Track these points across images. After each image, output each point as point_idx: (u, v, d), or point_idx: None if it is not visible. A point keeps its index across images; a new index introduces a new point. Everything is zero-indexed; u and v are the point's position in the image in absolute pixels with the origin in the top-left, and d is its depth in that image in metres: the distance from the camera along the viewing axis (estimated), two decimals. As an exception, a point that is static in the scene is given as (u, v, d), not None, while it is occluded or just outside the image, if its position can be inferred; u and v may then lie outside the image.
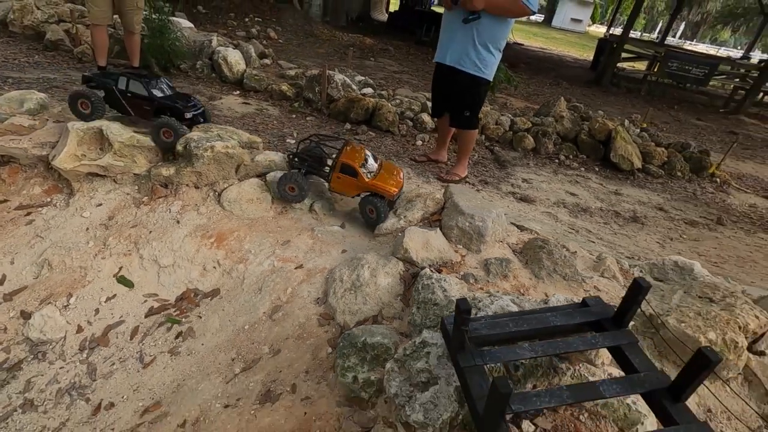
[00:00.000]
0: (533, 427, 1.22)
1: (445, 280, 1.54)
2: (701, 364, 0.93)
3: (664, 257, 2.16)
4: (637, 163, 5.46)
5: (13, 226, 2.00)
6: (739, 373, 1.60)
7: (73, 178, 2.05)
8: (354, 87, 5.59)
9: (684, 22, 45.90)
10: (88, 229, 1.94)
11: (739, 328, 1.57)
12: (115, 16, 4.25)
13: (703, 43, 46.36)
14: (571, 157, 5.45)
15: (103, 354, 1.62)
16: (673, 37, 47.32)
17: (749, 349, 1.67)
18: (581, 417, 1.27)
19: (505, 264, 1.87)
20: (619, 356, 1.10)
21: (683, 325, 1.57)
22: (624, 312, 1.14)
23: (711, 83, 13.10)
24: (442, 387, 1.13)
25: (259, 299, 1.72)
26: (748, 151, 8.11)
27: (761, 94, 13.84)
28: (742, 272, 3.47)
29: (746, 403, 1.47)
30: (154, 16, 5.30)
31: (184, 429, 1.36)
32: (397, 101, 5.65)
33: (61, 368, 1.58)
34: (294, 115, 5.13)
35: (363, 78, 6.27)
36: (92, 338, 1.66)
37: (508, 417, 1.07)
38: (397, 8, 15.11)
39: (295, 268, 1.81)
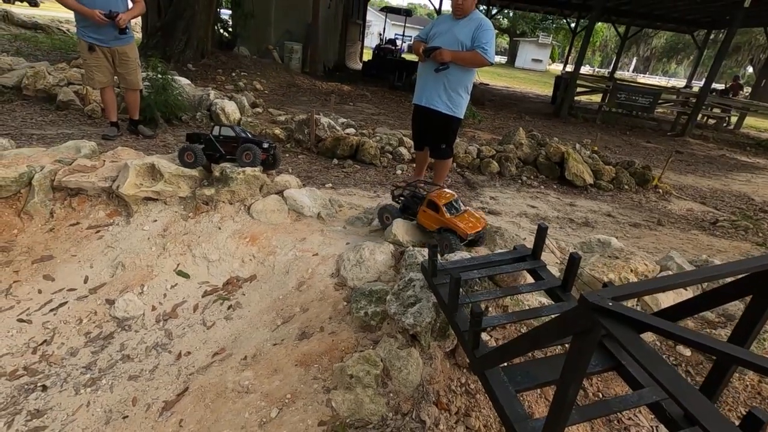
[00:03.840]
0: (489, 336, 1.83)
1: (421, 252, 2.16)
2: (574, 265, 1.57)
3: (590, 237, 2.84)
4: (589, 180, 6.29)
5: (87, 241, 2.55)
6: (636, 304, 2.24)
7: (133, 202, 2.63)
8: (338, 127, 6.36)
9: (635, 57, 49.81)
10: (149, 238, 2.50)
11: (632, 270, 2.23)
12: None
13: (656, 75, 50.17)
14: (531, 177, 6.25)
15: (175, 323, 2.14)
16: (628, 71, 51.22)
17: (643, 287, 2.32)
18: (521, 330, 1.87)
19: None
20: (535, 274, 1.73)
21: (593, 272, 2.23)
22: (536, 251, 1.78)
23: (659, 110, 14.54)
24: (424, 303, 1.72)
25: (288, 278, 2.29)
26: (690, 167, 9.16)
27: (704, 118, 15.39)
28: (673, 259, 4.18)
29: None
30: (159, 76, 6.01)
31: (246, 360, 1.88)
32: (378, 138, 6.42)
33: (145, 334, 2.09)
34: (287, 154, 5.82)
35: (345, 120, 7.06)
36: (164, 313, 2.18)
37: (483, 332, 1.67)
38: (370, 58, 16.42)
39: (313, 256, 2.40)
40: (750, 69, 30.53)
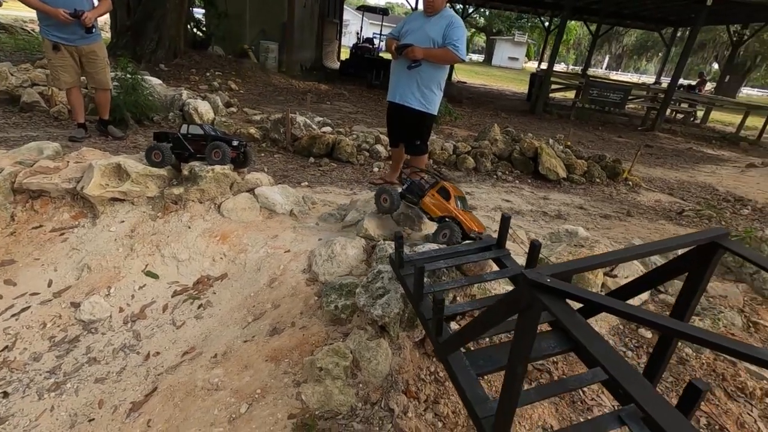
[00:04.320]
0: (458, 326, 1.86)
1: (392, 246, 2.18)
2: (535, 252, 1.62)
3: (559, 227, 2.91)
4: (562, 174, 6.43)
5: (51, 244, 2.48)
6: (601, 289, 2.31)
7: (99, 203, 2.57)
8: (314, 126, 6.34)
9: (608, 55, 51.06)
10: (116, 239, 2.44)
11: (595, 258, 2.30)
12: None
13: (628, 72, 51.53)
14: (506, 172, 6.35)
15: (143, 324, 2.10)
16: (601, 68, 52.45)
17: (606, 274, 2.40)
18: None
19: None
20: (499, 263, 1.77)
21: (559, 259, 2.29)
22: (501, 240, 1.82)
23: (630, 106, 14.95)
24: (392, 295, 1.75)
25: (259, 275, 2.27)
26: (659, 160, 9.46)
27: (673, 113, 15.92)
28: (641, 248, 4.32)
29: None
30: (128, 76, 5.87)
31: (216, 358, 1.87)
32: (354, 136, 6.42)
33: (112, 336, 2.04)
34: (263, 154, 5.77)
35: (322, 119, 7.04)
36: (132, 314, 2.14)
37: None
38: (348, 57, 16.39)
39: (284, 252, 2.39)
40: (716, 65, 31.69)
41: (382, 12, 19.13)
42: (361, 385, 1.64)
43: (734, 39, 16.45)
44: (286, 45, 12.74)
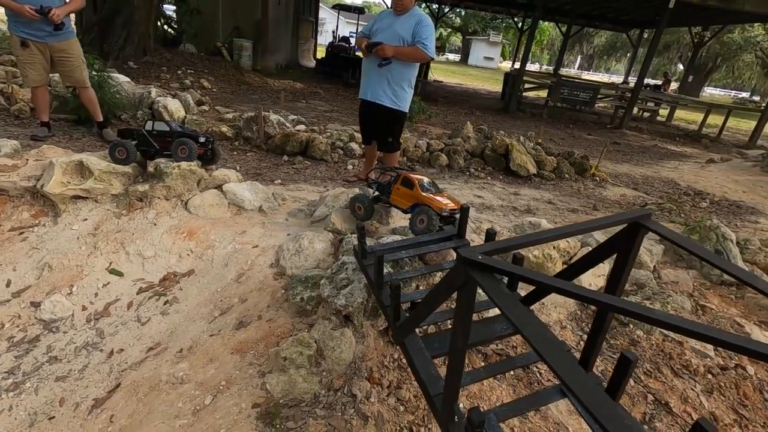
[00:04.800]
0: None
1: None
2: (490, 240, 1.69)
3: (523, 220, 3.01)
4: (533, 170, 6.60)
5: (10, 243, 2.41)
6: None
7: (60, 201, 2.52)
8: (288, 124, 6.32)
9: (580, 55, 52.37)
10: (78, 238, 2.40)
11: (554, 247, 2.40)
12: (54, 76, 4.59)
13: (599, 72, 52.98)
14: (479, 169, 6.48)
15: (107, 321, 2.08)
16: (574, 68, 53.79)
17: (566, 262, 2.51)
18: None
19: (407, 230, 2.60)
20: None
21: (520, 249, 2.38)
22: (460, 231, 1.89)
23: (600, 104, 15.41)
24: (356, 285, 1.79)
25: (227, 271, 2.28)
26: (626, 156, 9.80)
27: (640, 111, 16.49)
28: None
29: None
30: (94, 73, 5.71)
31: (181, 353, 1.87)
32: (329, 134, 6.43)
33: (74, 334, 2.01)
34: (235, 152, 5.72)
35: (296, 117, 7.02)
36: (96, 312, 2.11)
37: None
38: (324, 55, 16.32)
39: (253, 248, 2.40)
40: (681, 66, 32.94)
41: (358, 11, 19.14)
42: (324, 373, 1.68)
43: (695, 41, 17.15)
44: (260, 43, 12.60)
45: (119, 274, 2.30)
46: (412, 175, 2.32)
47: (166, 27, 11.85)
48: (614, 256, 1.12)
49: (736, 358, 2.16)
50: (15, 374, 1.87)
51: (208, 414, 1.57)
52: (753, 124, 13.34)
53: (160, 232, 2.45)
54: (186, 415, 1.59)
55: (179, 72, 10.08)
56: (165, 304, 2.16)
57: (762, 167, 8.64)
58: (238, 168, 5.03)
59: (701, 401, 1.88)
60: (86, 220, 2.50)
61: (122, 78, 6.96)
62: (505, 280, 1.56)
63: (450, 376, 1.01)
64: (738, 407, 1.90)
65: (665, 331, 2.24)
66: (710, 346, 2.21)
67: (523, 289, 1.70)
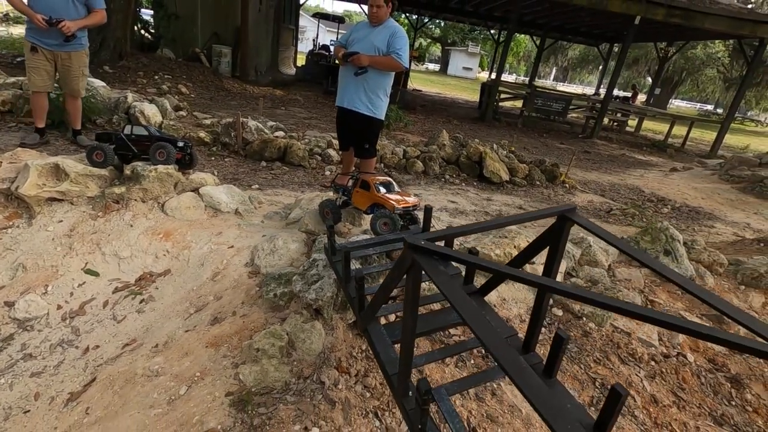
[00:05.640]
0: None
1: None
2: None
3: (489, 222, 3.18)
4: (505, 177, 6.84)
5: (-17, 244, 2.43)
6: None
7: (35, 203, 2.54)
8: (266, 131, 6.39)
9: (555, 67, 53.96)
10: (53, 239, 2.43)
11: (515, 247, 2.57)
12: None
13: (574, 83, 54.67)
14: (454, 175, 6.68)
15: (83, 320, 2.12)
16: (549, 80, 55.38)
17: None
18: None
19: (379, 232, 2.73)
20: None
21: (483, 248, 2.53)
22: (425, 230, 2.03)
23: (573, 115, 15.97)
24: (326, 280, 1.90)
25: (203, 270, 2.35)
26: (595, 164, 10.22)
27: (611, 122, 17.15)
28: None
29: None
30: (68, 77, 5.66)
31: (157, 348, 1.93)
32: (307, 140, 6.53)
33: (49, 332, 2.05)
34: (213, 158, 5.75)
35: (274, 123, 7.09)
36: (71, 311, 2.15)
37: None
38: (304, 63, 16.43)
39: (228, 248, 2.48)
40: (649, 79, 34.36)
41: (338, 20, 19.37)
42: (295, 363, 1.78)
43: (661, 55, 18.01)
44: (240, 49, 12.62)
45: (95, 274, 2.35)
46: (368, 178, 2.44)
47: (143, 31, 11.77)
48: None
49: (679, 347, 2.35)
50: (-11, 371, 1.90)
51: (182, 403, 1.65)
52: (715, 135, 14.07)
53: (137, 233, 2.51)
54: (161, 405, 1.66)
55: (156, 77, 10.02)
56: (141, 302, 2.22)
57: (720, 175, 9.16)
58: (215, 172, 5.08)
59: (644, 385, 2.05)
60: (62, 221, 2.54)
61: (97, 82, 6.90)
62: (464, 272, 1.70)
63: (403, 354, 1.13)
64: (677, 390, 2.08)
65: (615, 324, 2.42)
66: (655, 336, 2.40)
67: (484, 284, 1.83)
